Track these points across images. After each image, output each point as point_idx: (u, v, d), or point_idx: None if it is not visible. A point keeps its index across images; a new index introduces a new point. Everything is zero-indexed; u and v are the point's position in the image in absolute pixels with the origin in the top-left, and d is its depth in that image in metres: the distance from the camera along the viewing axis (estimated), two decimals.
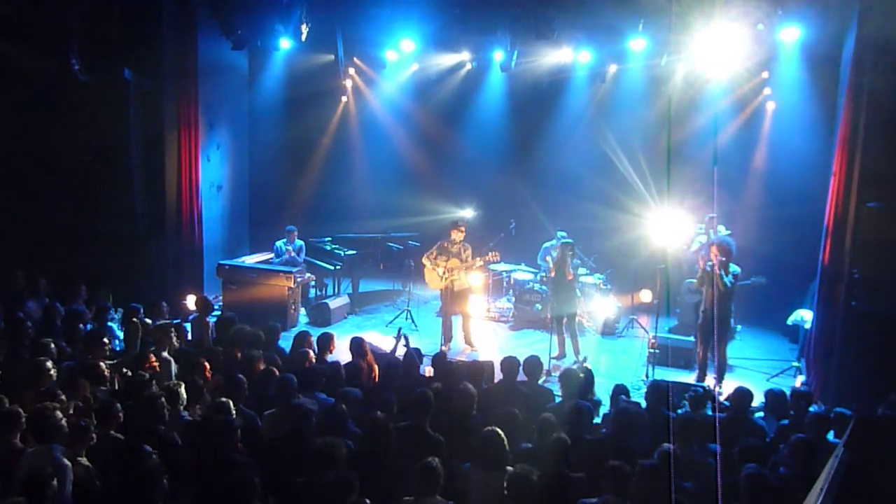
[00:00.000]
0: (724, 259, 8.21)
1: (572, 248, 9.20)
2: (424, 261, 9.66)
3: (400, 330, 7.43)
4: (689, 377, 8.62)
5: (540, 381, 6.99)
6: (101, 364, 5.89)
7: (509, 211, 11.90)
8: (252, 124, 12.59)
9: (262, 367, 6.30)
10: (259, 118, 12.78)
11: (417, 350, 7.21)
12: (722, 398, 7.16)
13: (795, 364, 9.10)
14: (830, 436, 5.34)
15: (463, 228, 9.55)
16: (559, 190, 12.57)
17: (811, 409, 6.05)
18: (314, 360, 6.69)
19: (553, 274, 9.18)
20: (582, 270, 10.96)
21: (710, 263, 8.28)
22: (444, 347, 9.42)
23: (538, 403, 5.96)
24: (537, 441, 4.96)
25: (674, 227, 10.07)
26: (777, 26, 9.35)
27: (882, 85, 7.57)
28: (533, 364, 6.56)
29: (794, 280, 10.54)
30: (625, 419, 5.26)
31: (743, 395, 5.85)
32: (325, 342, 7.09)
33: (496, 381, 6.93)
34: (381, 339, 9.23)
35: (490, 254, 9.62)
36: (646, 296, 11.02)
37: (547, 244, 11.17)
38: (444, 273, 9.43)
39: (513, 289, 11.54)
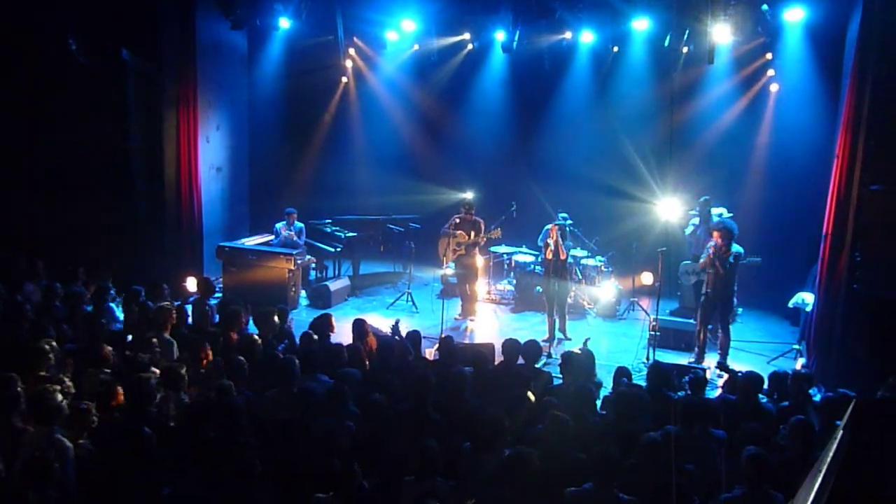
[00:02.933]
0: (723, 244, 8.22)
1: (564, 230, 9.24)
2: (442, 233, 10.09)
3: (397, 322, 7.37)
4: (691, 360, 8.72)
5: (538, 365, 7.03)
6: (105, 347, 5.87)
7: (510, 193, 11.85)
8: (251, 105, 12.52)
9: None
10: (258, 99, 12.71)
11: (417, 332, 7.23)
12: (720, 381, 7.29)
13: (796, 347, 9.11)
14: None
15: (472, 211, 9.97)
16: (561, 172, 12.53)
17: (812, 391, 6.08)
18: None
19: (549, 255, 9.17)
20: (583, 252, 11.01)
21: (710, 245, 8.30)
22: (457, 317, 10.01)
23: (537, 386, 5.99)
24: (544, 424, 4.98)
25: (674, 210, 10.14)
26: (781, 6, 9.30)
27: (887, 67, 7.53)
28: (531, 347, 6.58)
29: (796, 262, 10.54)
30: (627, 401, 5.27)
31: (753, 380, 5.85)
32: (324, 324, 7.11)
33: (496, 363, 6.95)
34: (382, 322, 9.25)
35: (493, 231, 9.89)
36: (647, 278, 10.96)
37: (548, 226, 11.05)
38: (454, 250, 9.94)
39: (514, 271, 11.55)
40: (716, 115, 11.71)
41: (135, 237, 10.25)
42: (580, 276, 11.05)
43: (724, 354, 8.39)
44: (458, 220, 9.90)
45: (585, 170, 12.12)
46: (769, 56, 11.14)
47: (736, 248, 8.28)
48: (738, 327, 10.24)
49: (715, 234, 8.31)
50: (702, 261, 8.60)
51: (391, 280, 12.40)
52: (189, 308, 8.01)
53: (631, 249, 11.13)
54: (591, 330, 10.05)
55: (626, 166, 11.93)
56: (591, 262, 11.15)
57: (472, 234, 9.75)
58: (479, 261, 10.04)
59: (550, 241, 9.17)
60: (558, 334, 9.38)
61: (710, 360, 8.59)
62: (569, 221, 9.84)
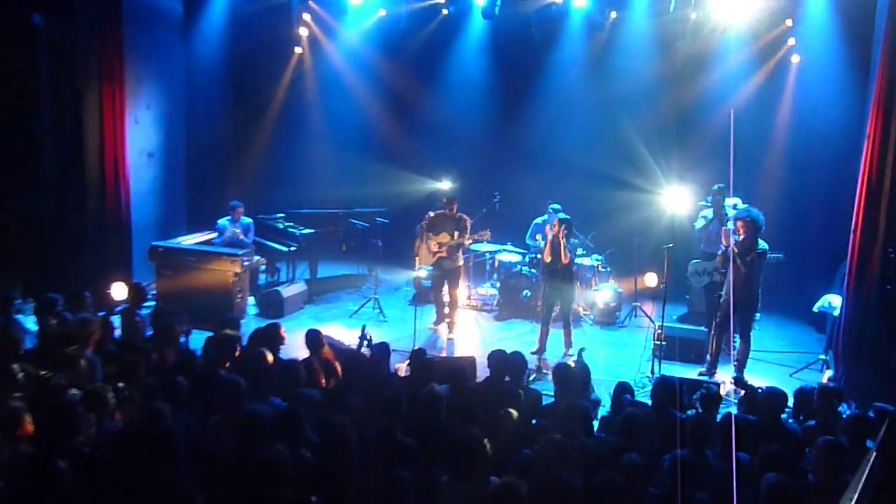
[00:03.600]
0: (747, 238, 8.24)
1: (569, 226, 9.19)
2: (417, 230, 10.08)
3: (364, 329, 7.34)
4: (701, 372, 8.80)
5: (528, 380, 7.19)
6: (15, 366, 5.76)
7: (493, 182, 11.91)
8: (189, 81, 12.43)
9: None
10: (197, 73, 12.62)
11: (385, 345, 7.20)
12: (736, 397, 7.30)
13: (822, 357, 9.18)
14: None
15: (453, 204, 9.85)
16: (551, 157, 12.59)
17: (841, 408, 6.13)
18: (270, 360, 6.61)
19: (547, 258, 9.16)
20: (578, 251, 11.07)
21: (736, 238, 8.29)
22: (434, 328, 10.06)
23: (526, 405, 6.01)
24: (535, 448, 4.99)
25: (682, 202, 10.23)
26: None
27: None
28: (517, 361, 6.63)
29: (821, 260, 10.71)
30: (629, 422, 5.28)
31: (774, 397, 5.91)
32: (272, 336, 7.05)
33: (479, 379, 7.01)
34: (344, 333, 9.21)
35: (482, 232, 9.83)
36: (651, 280, 11.03)
37: (538, 220, 11.20)
38: (433, 251, 9.81)
39: (497, 272, 11.59)
40: (728, 92, 11.81)
41: (49, 236, 10.10)
42: (577, 279, 11.05)
43: (740, 367, 8.45)
44: (432, 215, 9.80)
45: (579, 155, 12.17)
46: (789, 23, 11.26)
47: (761, 244, 8.29)
48: (756, 334, 10.16)
49: (739, 224, 8.30)
50: (718, 257, 8.64)
51: (355, 284, 12.39)
52: (116, 319, 7.92)
53: (632, 247, 11.25)
54: (587, 339, 10.11)
55: (626, 151, 12.02)
56: (586, 261, 11.20)
57: (456, 233, 9.68)
58: (460, 261, 10.01)
59: (547, 239, 9.17)
60: (554, 351, 9.43)
61: (725, 374, 8.64)
62: (561, 215, 9.84)
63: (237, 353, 6.68)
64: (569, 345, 9.38)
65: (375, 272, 11.45)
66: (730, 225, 8.61)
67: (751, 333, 8.70)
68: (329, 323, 10.31)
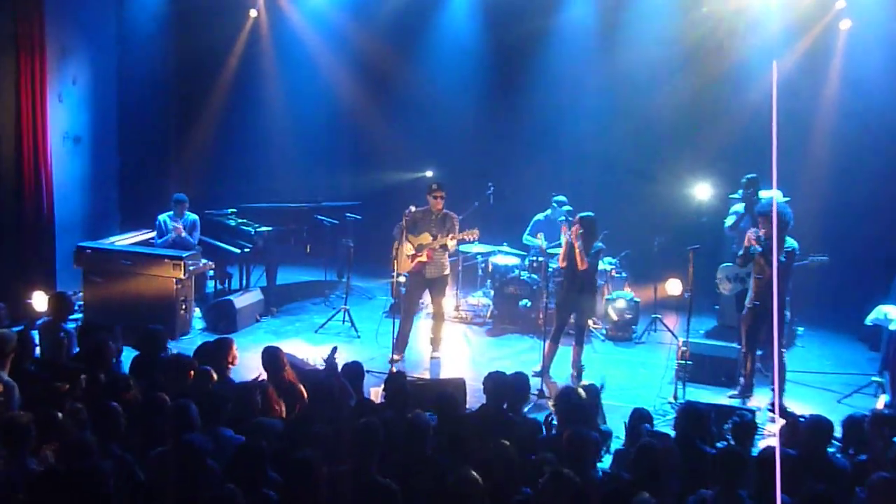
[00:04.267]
0: (765, 234, 8.30)
1: (589, 225, 9.15)
2: (395, 232, 9.83)
3: (334, 350, 7.33)
4: (732, 394, 8.86)
5: (527, 407, 7.12)
6: None
7: (486, 171, 11.94)
8: (123, 52, 12.39)
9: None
10: (132, 43, 12.55)
11: (358, 365, 7.18)
12: (775, 427, 7.34)
13: (876, 379, 9.17)
14: None
15: (441, 195, 9.62)
16: (555, 143, 12.65)
17: None
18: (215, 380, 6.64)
19: (562, 262, 9.26)
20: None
21: (760, 238, 8.35)
22: (394, 357, 9.61)
23: (524, 436, 6.07)
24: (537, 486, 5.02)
25: (710, 195, 10.39)
26: None
27: None
28: (519, 385, 6.65)
29: (875, 265, 10.78)
30: (648, 456, 5.28)
31: (820, 427, 5.91)
32: (219, 353, 7.02)
33: (474, 406, 7.07)
34: (310, 351, 9.16)
35: (468, 231, 9.67)
36: (674, 287, 11.04)
37: (539, 216, 11.28)
38: (411, 254, 9.66)
39: (491, 278, 11.61)
40: (764, 65, 11.69)
41: None
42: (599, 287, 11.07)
43: (778, 390, 8.45)
44: (413, 210, 9.65)
45: (589, 140, 12.26)
46: None
47: (790, 242, 8.35)
48: (798, 352, 10.40)
49: (760, 219, 8.42)
50: (738, 258, 8.78)
51: (322, 293, 12.38)
52: (36, 335, 7.78)
53: (652, 248, 11.28)
54: (598, 357, 10.14)
55: (643, 135, 12.12)
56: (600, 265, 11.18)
57: (441, 234, 9.59)
58: (447, 268, 9.91)
59: (567, 239, 9.20)
60: (561, 371, 9.46)
61: (761, 398, 8.70)
62: (566, 207, 9.86)
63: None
64: (578, 365, 9.38)
65: (346, 278, 11.35)
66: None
67: (783, 349, 8.76)
68: (291, 339, 10.29)
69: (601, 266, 10.97)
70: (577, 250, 8.92)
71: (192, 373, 6.66)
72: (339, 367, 7.17)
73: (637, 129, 12.19)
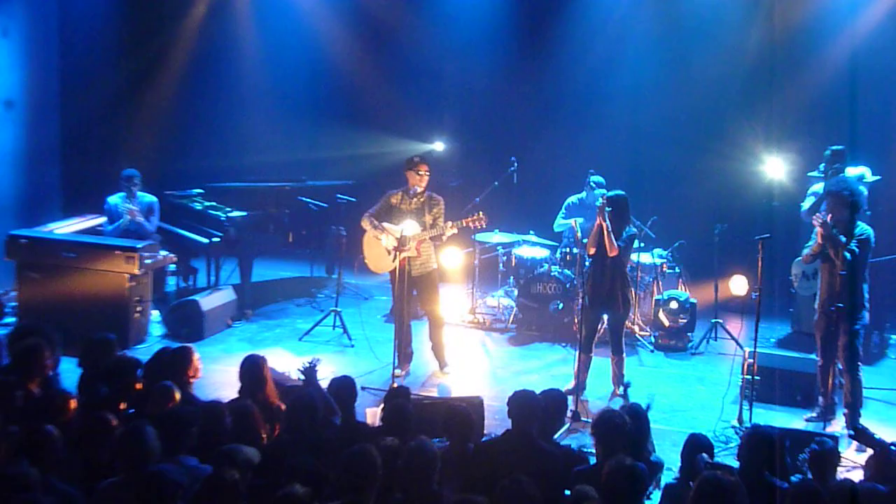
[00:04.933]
0: (833, 219, 8.25)
1: (621, 206, 9.08)
2: (365, 224, 9.57)
3: (313, 362, 7.25)
4: (810, 417, 8.80)
5: (559, 432, 7.13)
6: None
7: (507, 144, 11.89)
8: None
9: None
10: None
11: (349, 380, 7.11)
12: (861, 457, 7.28)
13: None
14: None
15: (425, 169, 9.41)
16: (592, 110, 12.64)
17: None
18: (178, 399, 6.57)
19: (591, 249, 9.11)
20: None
21: (827, 223, 8.31)
22: (396, 372, 9.42)
23: (558, 470, 6.05)
24: None
25: (784, 172, 10.37)
26: None
27: None
28: (553, 405, 6.65)
29: None
30: (708, 492, 5.17)
31: None
32: (178, 364, 7.02)
33: (494, 430, 7.10)
34: (293, 362, 8.82)
35: (474, 215, 9.41)
36: (739, 285, 11.04)
37: (572, 199, 11.27)
38: (394, 246, 9.29)
39: (514, 274, 11.63)
40: (848, 15, 11.71)
41: None
42: (632, 284, 11.00)
43: (852, 412, 8.47)
44: (392, 195, 9.56)
45: (633, 107, 12.30)
46: None
47: (862, 227, 8.34)
48: (890, 365, 10.33)
49: (828, 201, 8.48)
50: (806, 252, 8.77)
51: (307, 292, 12.43)
52: None
53: (711, 238, 11.12)
54: (646, 372, 10.15)
55: (700, 102, 12.07)
56: (645, 258, 11.26)
57: (432, 216, 9.45)
58: (434, 262, 9.72)
59: (578, 226, 9.21)
60: (599, 389, 9.43)
61: (843, 421, 8.63)
62: (601, 191, 9.77)
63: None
64: (620, 381, 9.34)
65: (337, 274, 11.40)
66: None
67: (859, 362, 8.63)
68: (270, 348, 10.27)
69: (649, 259, 11.18)
70: (606, 231, 8.84)
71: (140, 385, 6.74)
72: (323, 382, 7.20)
73: (693, 92, 12.19)
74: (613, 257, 8.94)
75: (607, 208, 8.87)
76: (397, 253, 9.22)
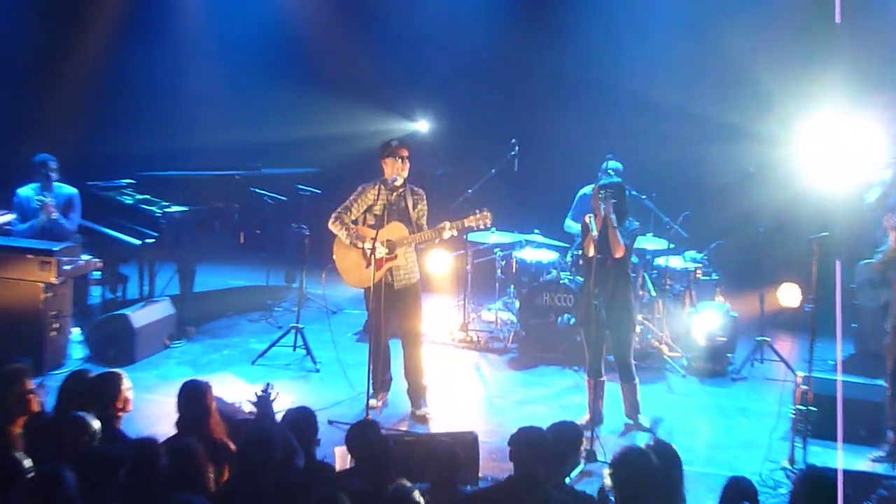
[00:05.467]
0: None
1: (617, 194, 8.95)
2: (336, 228, 9.30)
3: (267, 391, 7.13)
4: (877, 457, 8.63)
5: (571, 476, 7.05)
6: None
7: (507, 124, 11.88)
8: None
9: None
10: None
11: (307, 412, 6.94)
12: None
13: None
14: None
15: (407, 154, 9.24)
16: (607, 84, 12.58)
17: None
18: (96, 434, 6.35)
19: (590, 249, 8.92)
20: (658, 243, 11.15)
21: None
22: (372, 403, 9.25)
23: None
24: None
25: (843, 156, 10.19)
26: None
27: None
28: (566, 443, 6.56)
29: None
30: None
31: None
32: (102, 393, 6.83)
33: (493, 474, 7.09)
34: (245, 390, 8.83)
35: (477, 213, 9.20)
36: (789, 295, 11.13)
37: (585, 190, 11.24)
38: (371, 253, 8.98)
39: (516, 282, 11.69)
40: None
41: None
42: (652, 293, 11.17)
43: None
44: (369, 193, 9.31)
45: (658, 82, 12.29)
46: None
47: None
48: None
49: None
50: (877, 259, 8.89)
51: (262, 304, 12.45)
52: None
53: (756, 237, 11.06)
54: (676, 401, 10.08)
55: (740, 74, 12.13)
56: (675, 262, 11.29)
57: (416, 214, 9.30)
58: (417, 272, 9.49)
59: (591, 221, 8.91)
60: (614, 421, 9.27)
61: None
62: (614, 180, 9.47)
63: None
64: (634, 410, 9.22)
65: (299, 283, 11.37)
66: None
67: None
68: (217, 373, 10.15)
69: (680, 263, 11.35)
70: (611, 226, 8.74)
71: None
72: (281, 415, 7.14)
73: (731, 62, 12.29)
74: (617, 259, 8.84)
75: (611, 199, 8.75)
76: (383, 262, 9.09)
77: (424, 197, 9.28)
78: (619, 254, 8.77)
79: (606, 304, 8.93)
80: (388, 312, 9.27)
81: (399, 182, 9.09)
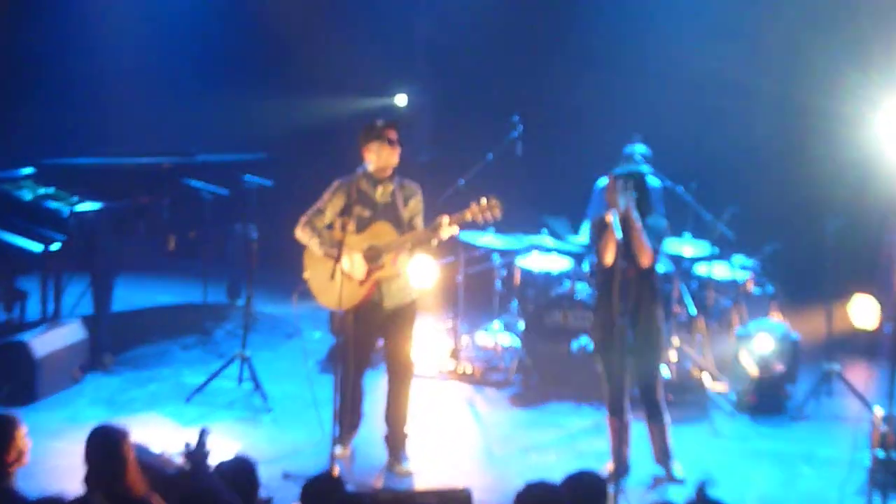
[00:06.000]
0: None
1: (640, 182, 8.71)
2: (302, 234, 9.01)
3: (203, 434, 6.65)
4: None
5: None
6: None
7: (506, 99, 11.73)
8: None
9: None
10: None
11: (246, 464, 6.60)
12: None
13: None
14: None
15: (396, 136, 8.89)
16: (633, 52, 12.60)
17: None
18: None
19: (607, 257, 8.61)
20: (694, 246, 11.03)
21: None
22: (337, 451, 8.89)
23: None
24: None
25: None
26: None
27: None
28: (585, 497, 6.13)
29: None
30: None
31: None
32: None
33: None
34: (175, 437, 8.37)
35: (479, 204, 8.69)
36: (864, 311, 10.86)
37: (604, 182, 10.87)
38: (336, 260, 8.62)
39: (520, 297, 11.55)
40: None
41: None
42: (691, 310, 11.18)
43: None
44: (338, 186, 9.05)
45: (697, 51, 12.37)
46: None
47: None
48: None
49: None
50: None
51: (198, 326, 12.32)
52: None
53: (821, 239, 10.70)
54: (722, 445, 9.85)
55: (801, 38, 12.14)
56: (720, 270, 11.20)
57: (409, 213, 8.98)
58: (413, 289, 9.36)
59: (615, 218, 8.63)
60: (658, 469, 9.04)
61: None
62: (637, 168, 9.29)
63: None
64: (665, 457, 8.94)
65: (246, 299, 10.94)
66: None
67: None
68: (140, 414, 9.99)
69: (728, 273, 11.22)
70: (634, 226, 8.45)
71: None
72: (215, 465, 6.68)
73: (789, 24, 12.05)
74: (643, 268, 8.59)
75: (630, 192, 8.45)
76: (369, 277, 8.73)
77: (419, 192, 8.91)
78: (646, 261, 8.51)
79: (636, 324, 8.57)
80: (368, 338, 9.11)
81: (387, 173, 8.70)
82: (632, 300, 8.62)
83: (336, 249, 8.53)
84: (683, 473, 8.84)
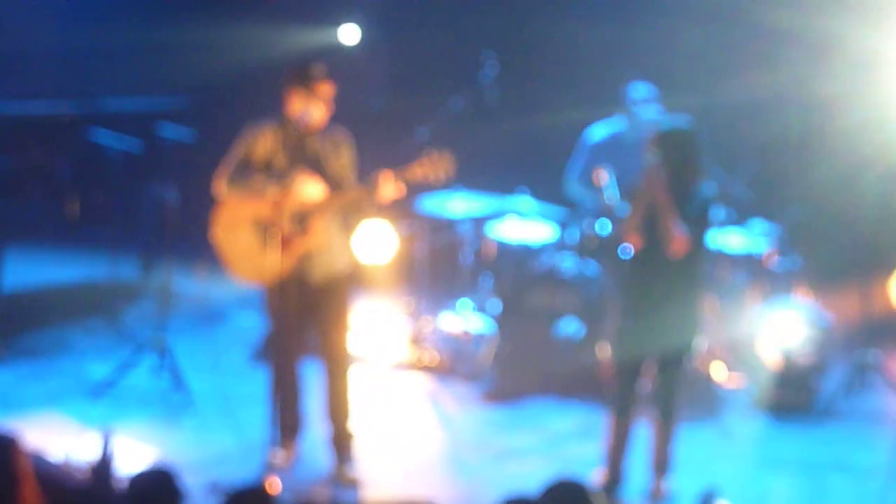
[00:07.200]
0: None
1: (688, 143, 8.86)
2: (221, 187, 9.18)
3: (107, 438, 7.05)
4: None
5: None
6: None
7: (476, 32, 12.04)
8: None
9: None
10: None
11: (163, 476, 6.48)
12: None
13: None
14: None
15: (328, 89, 9.02)
16: None
17: None
18: None
19: (637, 238, 8.83)
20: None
21: None
22: (276, 459, 9.21)
23: None
24: None
25: None
26: None
27: None
28: None
29: None
30: None
31: None
32: None
33: None
34: (78, 441, 8.61)
35: (427, 158, 9.00)
36: None
37: (599, 132, 11.51)
38: (274, 226, 8.91)
39: (493, 273, 11.92)
40: None
41: None
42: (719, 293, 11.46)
43: None
44: (262, 139, 9.08)
45: None
46: None
47: None
48: None
49: None
50: None
51: (105, 306, 12.71)
52: None
53: (855, 203, 11.19)
54: (734, 450, 10.13)
55: None
56: (736, 239, 11.46)
57: (338, 167, 9.14)
58: (349, 256, 9.54)
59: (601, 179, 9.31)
60: (653, 478, 9.23)
61: None
62: (676, 125, 9.44)
63: None
64: (663, 466, 9.18)
65: (162, 275, 11.32)
66: None
67: None
68: (37, 412, 10.10)
69: (746, 243, 11.54)
70: (665, 205, 8.61)
71: None
72: (127, 478, 6.81)
73: None
74: (676, 254, 8.73)
75: (671, 160, 8.70)
76: (280, 237, 8.82)
77: (349, 141, 9.05)
78: (676, 247, 8.60)
79: (660, 316, 8.88)
80: (301, 321, 9.20)
81: (314, 125, 8.89)
82: (661, 291, 8.86)
83: (262, 191, 8.70)
84: (675, 488, 9.03)
